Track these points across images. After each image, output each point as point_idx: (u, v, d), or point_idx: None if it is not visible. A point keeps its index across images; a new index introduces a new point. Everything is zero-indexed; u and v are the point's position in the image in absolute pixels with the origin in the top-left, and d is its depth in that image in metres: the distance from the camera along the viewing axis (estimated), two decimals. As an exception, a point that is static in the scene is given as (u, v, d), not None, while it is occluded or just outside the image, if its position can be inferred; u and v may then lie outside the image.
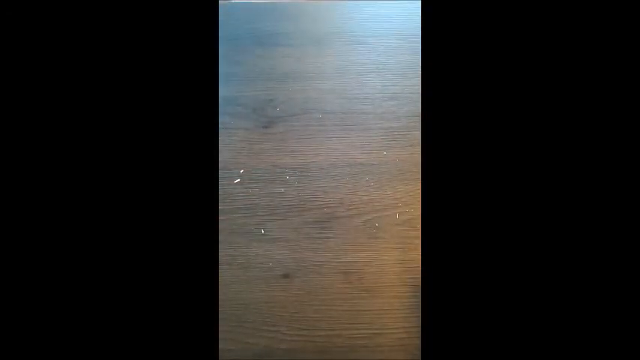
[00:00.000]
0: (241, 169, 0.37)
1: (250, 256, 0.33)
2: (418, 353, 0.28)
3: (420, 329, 0.29)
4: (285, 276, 0.32)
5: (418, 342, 0.29)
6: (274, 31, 0.43)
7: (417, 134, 0.35)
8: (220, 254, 0.33)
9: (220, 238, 0.34)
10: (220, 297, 0.30)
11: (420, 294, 0.30)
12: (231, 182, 0.37)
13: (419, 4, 0.47)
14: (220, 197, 0.36)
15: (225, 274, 0.32)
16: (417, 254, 0.32)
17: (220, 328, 0.30)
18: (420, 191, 0.36)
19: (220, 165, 0.37)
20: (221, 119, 0.38)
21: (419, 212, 0.34)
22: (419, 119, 0.37)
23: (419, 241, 0.33)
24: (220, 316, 0.30)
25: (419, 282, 0.31)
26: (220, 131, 0.38)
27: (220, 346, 0.29)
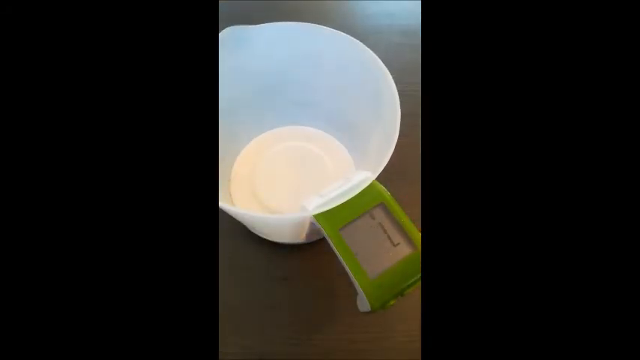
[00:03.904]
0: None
1: (250, 258, 0.33)
2: (419, 356, 0.28)
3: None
4: (285, 278, 0.32)
5: (419, 345, 0.29)
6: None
7: (417, 133, 0.35)
8: (220, 256, 0.33)
9: (220, 240, 0.33)
10: (220, 299, 0.30)
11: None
12: (231, 183, 0.37)
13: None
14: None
15: (225, 276, 0.32)
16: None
17: (220, 331, 0.29)
18: (420, 191, 0.36)
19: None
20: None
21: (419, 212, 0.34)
22: (419, 118, 0.36)
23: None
24: (220, 318, 0.30)
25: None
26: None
27: (220, 349, 0.29)
